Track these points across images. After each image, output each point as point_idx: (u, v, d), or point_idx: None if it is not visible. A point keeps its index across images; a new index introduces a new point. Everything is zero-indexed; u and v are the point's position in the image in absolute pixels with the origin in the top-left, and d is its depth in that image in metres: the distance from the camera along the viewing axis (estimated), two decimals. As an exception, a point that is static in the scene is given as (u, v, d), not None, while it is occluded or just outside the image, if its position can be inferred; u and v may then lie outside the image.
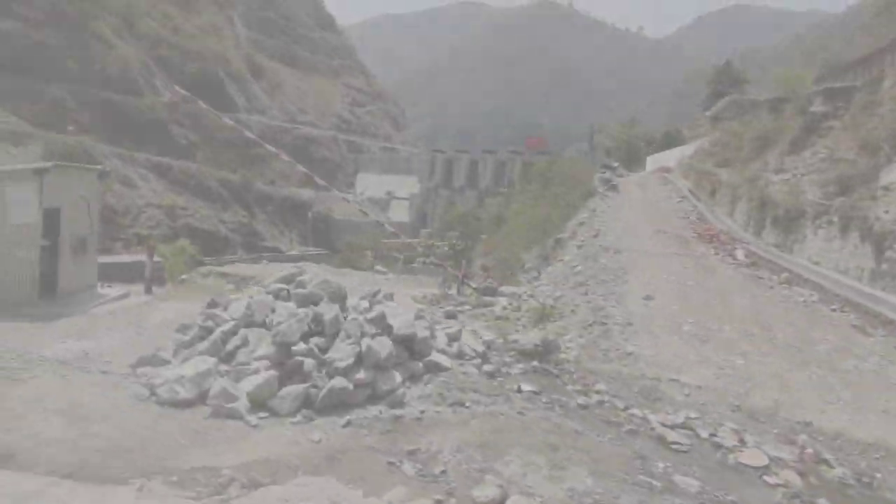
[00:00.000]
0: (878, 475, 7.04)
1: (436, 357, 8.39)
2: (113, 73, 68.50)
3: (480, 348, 9.36)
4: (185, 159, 69.57)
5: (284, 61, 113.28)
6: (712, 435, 7.57)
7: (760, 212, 21.96)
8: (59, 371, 7.69)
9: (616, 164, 45.28)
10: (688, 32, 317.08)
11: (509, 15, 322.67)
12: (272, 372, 7.26)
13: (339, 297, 8.82)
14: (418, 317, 9.20)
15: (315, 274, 11.23)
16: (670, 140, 57.37)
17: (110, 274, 19.22)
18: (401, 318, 8.38)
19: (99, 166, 27.00)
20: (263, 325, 8.37)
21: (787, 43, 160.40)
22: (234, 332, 8.27)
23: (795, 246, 18.90)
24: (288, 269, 12.97)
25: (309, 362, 7.39)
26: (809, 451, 7.36)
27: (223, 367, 7.67)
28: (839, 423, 8.43)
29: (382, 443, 6.21)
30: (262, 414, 6.79)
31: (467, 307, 14.56)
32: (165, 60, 78.82)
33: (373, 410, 7.05)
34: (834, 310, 14.14)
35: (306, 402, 7.00)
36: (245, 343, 8.07)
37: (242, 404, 6.86)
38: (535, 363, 9.08)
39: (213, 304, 9.77)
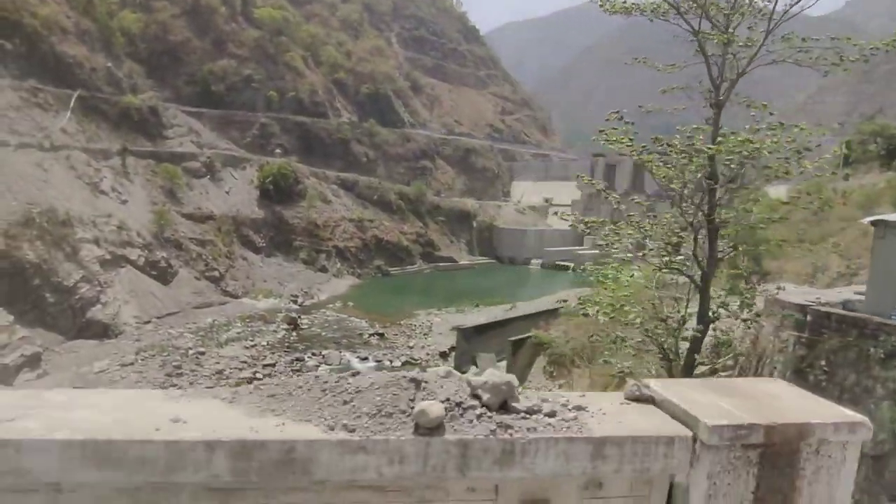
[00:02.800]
0: None
1: None
2: (304, 98, 74.86)
3: None
4: (366, 174, 73.94)
5: (437, 76, 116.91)
6: None
7: None
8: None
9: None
10: (859, 4, 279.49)
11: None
12: None
13: None
14: None
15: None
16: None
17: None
18: None
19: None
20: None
21: None
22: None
23: None
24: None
25: None
26: None
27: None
28: None
29: None
30: None
31: None
32: (342, 83, 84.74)
33: None
34: None
35: None
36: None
37: None
38: None
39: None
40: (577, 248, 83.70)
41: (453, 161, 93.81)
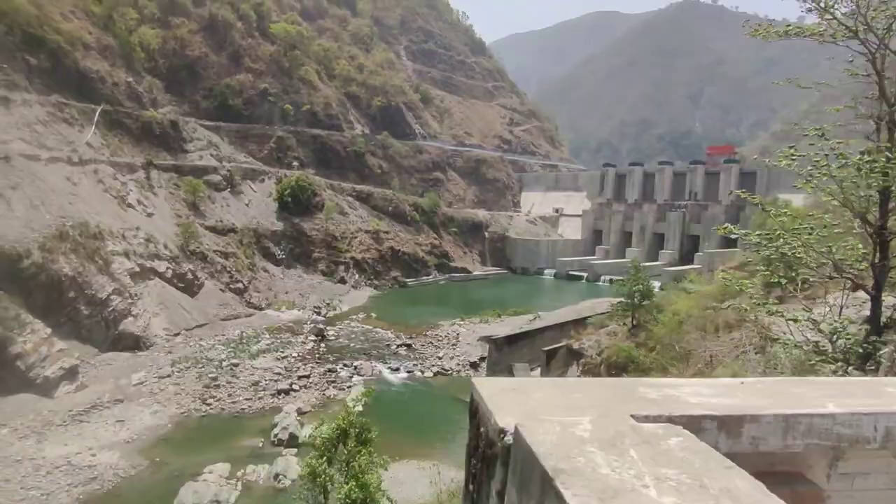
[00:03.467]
0: None
1: None
2: (318, 111, 75.59)
3: None
4: (380, 186, 74.45)
5: (446, 88, 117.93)
6: None
7: None
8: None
9: None
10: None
11: (647, 20, 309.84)
12: None
13: None
14: None
15: None
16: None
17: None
18: None
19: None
20: None
21: None
22: None
23: None
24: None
25: None
26: None
27: None
28: None
29: None
30: None
31: None
32: (355, 96, 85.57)
33: None
34: None
35: None
36: None
37: None
38: None
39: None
40: (589, 257, 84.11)
41: (464, 172, 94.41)
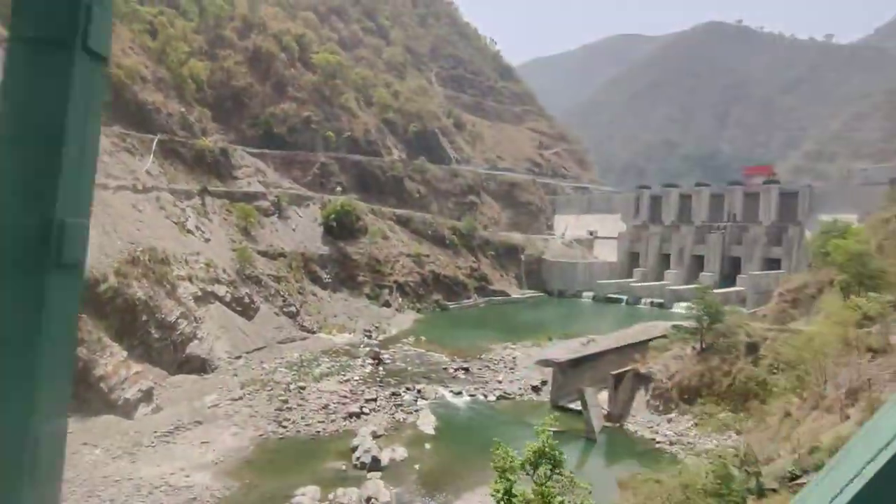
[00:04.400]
0: None
1: None
2: (358, 138, 77.29)
3: None
4: (418, 210, 75.40)
5: (476, 113, 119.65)
6: None
7: None
8: None
9: None
10: (889, 30, 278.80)
11: (669, 42, 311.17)
12: None
13: None
14: None
15: None
16: None
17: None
18: None
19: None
20: None
21: None
22: None
23: None
24: None
25: None
26: None
27: None
28: None
29: None
30: None
31: None
32: (391, 123, 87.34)
33: None
34: None
35: None
36: None
37: None
38: None
39: None
40: (628, 280, 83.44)
41: (498, 196, 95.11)
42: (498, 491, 10.82)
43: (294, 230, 58.85)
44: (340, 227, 60.84)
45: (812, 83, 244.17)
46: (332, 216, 60.63)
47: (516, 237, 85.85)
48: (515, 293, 76.81)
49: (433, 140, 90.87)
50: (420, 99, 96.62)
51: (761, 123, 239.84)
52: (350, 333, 46.81)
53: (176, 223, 44.12)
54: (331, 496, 20.08)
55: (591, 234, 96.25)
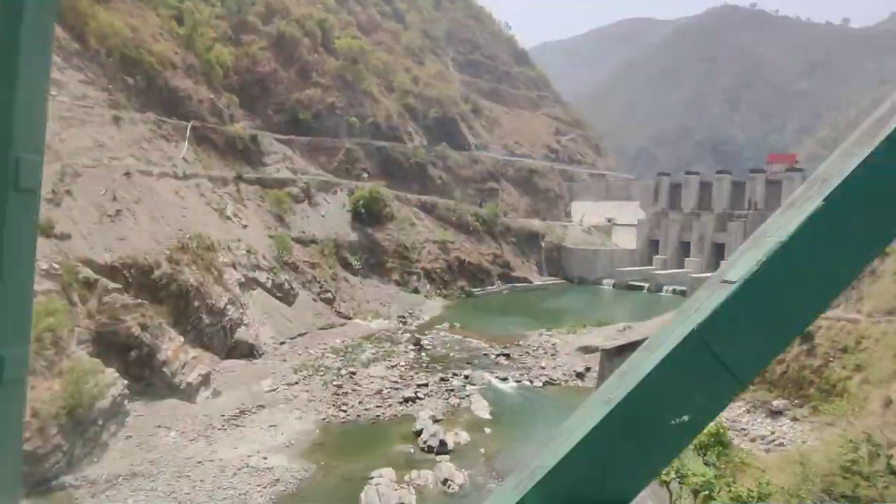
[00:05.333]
0: None
1: None
2: (381, 124, 77.33)
3: None
4: (441, 196, 75.65)
5: (493, 98, 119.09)
6: None
7: None
8: None
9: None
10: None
11: (682, 26, 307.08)
12: None
13: None
14: None
15: None
16: None
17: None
18: None
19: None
20: None
21: None
22: None
23: None
24: None
25: None
26: None
27: None
28: None
29: None
30: None
31: None
32: (412, 108, 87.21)
33: None
34: None
35: None
36: None
37: None
38: None
39: None
40: (649, 267, 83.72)
41: (516, 182, 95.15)
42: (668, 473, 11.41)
43: (323, 216, 59.29)
44: (369, 214, 61.26)
45: (828, 68, 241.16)
46: (362, 202, 61.01)
47: (536, 224, 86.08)
48: (537, 280, 77.29)
49: (452, 126, 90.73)
50: (439, 84, 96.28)
51: (776, 108, 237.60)
52: (385, 320, 47.47)
53: (216, 210, 44.62)
54: (406, 478, 20.76)
55: (609, 220, 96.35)
